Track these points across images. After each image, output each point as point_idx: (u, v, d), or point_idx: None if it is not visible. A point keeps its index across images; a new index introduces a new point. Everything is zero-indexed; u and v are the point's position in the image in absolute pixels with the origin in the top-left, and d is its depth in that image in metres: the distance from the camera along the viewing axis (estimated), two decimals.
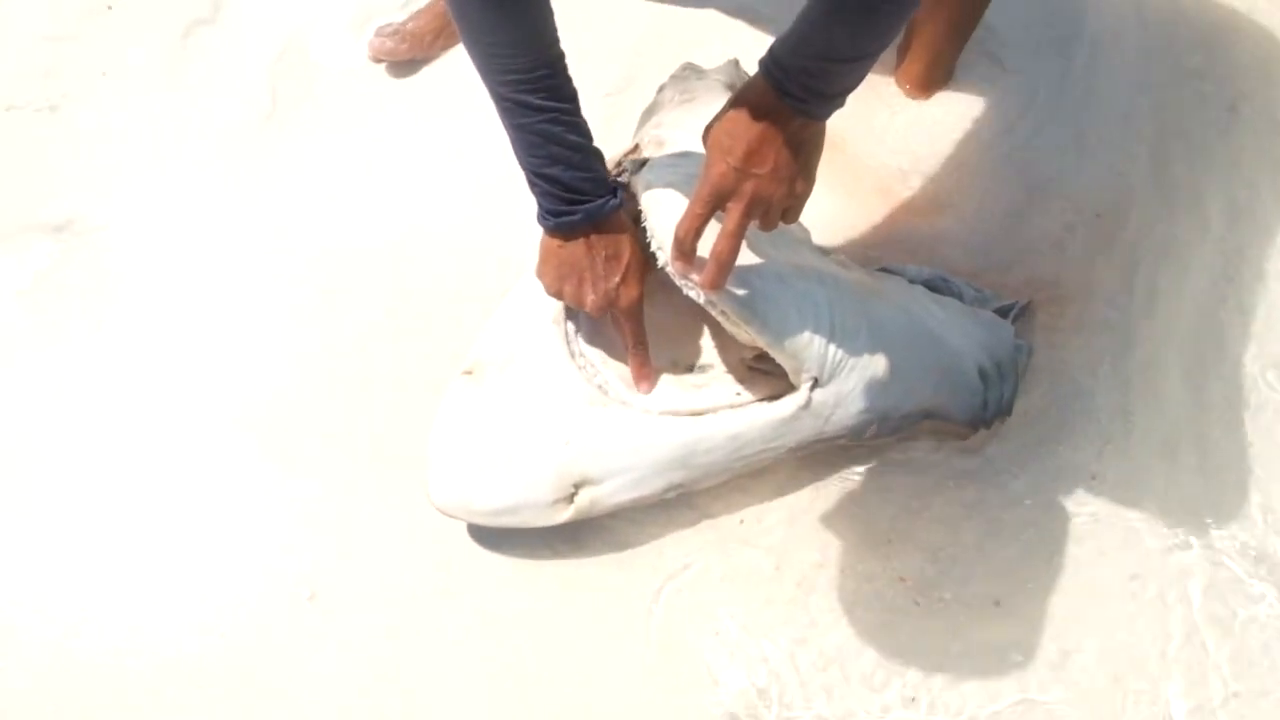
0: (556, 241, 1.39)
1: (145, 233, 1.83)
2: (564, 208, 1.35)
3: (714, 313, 1.40)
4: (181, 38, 2.04)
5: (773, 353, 1.41)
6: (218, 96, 1.98)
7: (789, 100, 1.16)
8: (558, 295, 1.43)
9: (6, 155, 1.91)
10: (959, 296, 1.70)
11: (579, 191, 1.34)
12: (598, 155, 1.37)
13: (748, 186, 1.20)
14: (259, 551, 1.55)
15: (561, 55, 1.28)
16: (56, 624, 1.49)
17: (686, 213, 1.24)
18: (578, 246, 1.38)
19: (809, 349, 1.40)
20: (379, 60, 1.99)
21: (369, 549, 1.55)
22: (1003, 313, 1.70)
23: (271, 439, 1.63)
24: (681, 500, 1.54)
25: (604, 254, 1.39)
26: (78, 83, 1.99)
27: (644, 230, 1.43)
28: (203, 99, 1.97)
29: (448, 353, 1.64)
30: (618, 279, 1.40)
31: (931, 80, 1.94)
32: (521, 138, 1.30)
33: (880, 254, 1.78)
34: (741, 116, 1.19)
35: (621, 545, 1.56)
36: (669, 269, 1.35)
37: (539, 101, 1.26)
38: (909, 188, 1.86)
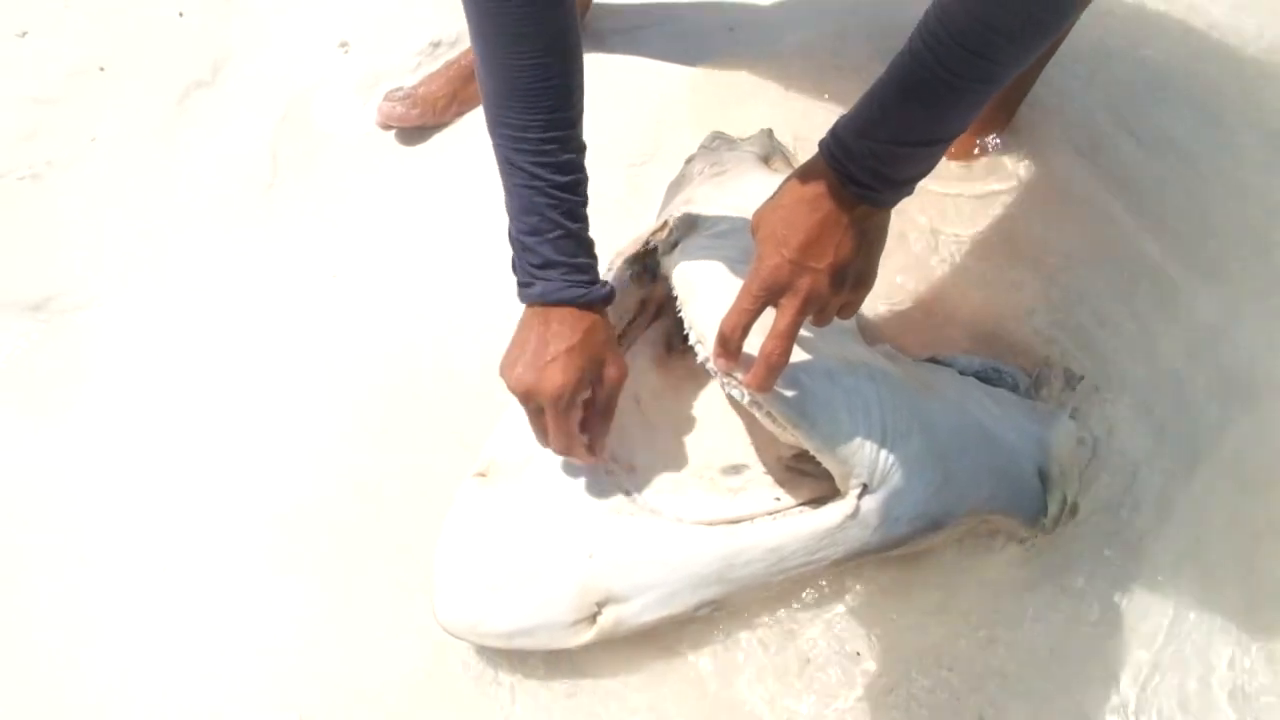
0: (524, 316, 1.26)
1: (130, 313, 1.71)
2: (526, 278, 1.23)
3: (757, 414, 1.27)
4: (178, 102, 1.93)
5: (821, 458, 1.28)
6: (214, 164, 1.86)
7: (853, 188, 1.04)
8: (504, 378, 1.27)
9: None
10: (1013, 388, 1.57)
11: (550, 266, 1.21)
12: (587, 244, 1.25)
13: (804, 282, 1.07)
14: (245, 663, 1.41)
15: (578, 137, 1.20)
16: None
17: (734, 307, 1.12)
18: (530, 322, 1.24)
19: (859, 453, 1.27)
20: (388, 127, 1.88)
21: (363, 667, 1.41)
22: (1061, 390, 1.57)
23: (259, 542, 1.50)
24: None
25: (551, 332, 1.22)
26: (64, 149, 1.87)
27: (679, 319, 1.32)
28: (198, 167, 1.85)
29: (461, 444, 1.51)
30: (548, 358, 1.22)
31: (983, 142, 1.83)
32: (513, 199, 1.21)
33: (924, 343, 1.65)
34: (799, 204, 1.07)
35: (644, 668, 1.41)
36: (709, 366, 1.23)
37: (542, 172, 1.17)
38: (955, 262, 1.74)
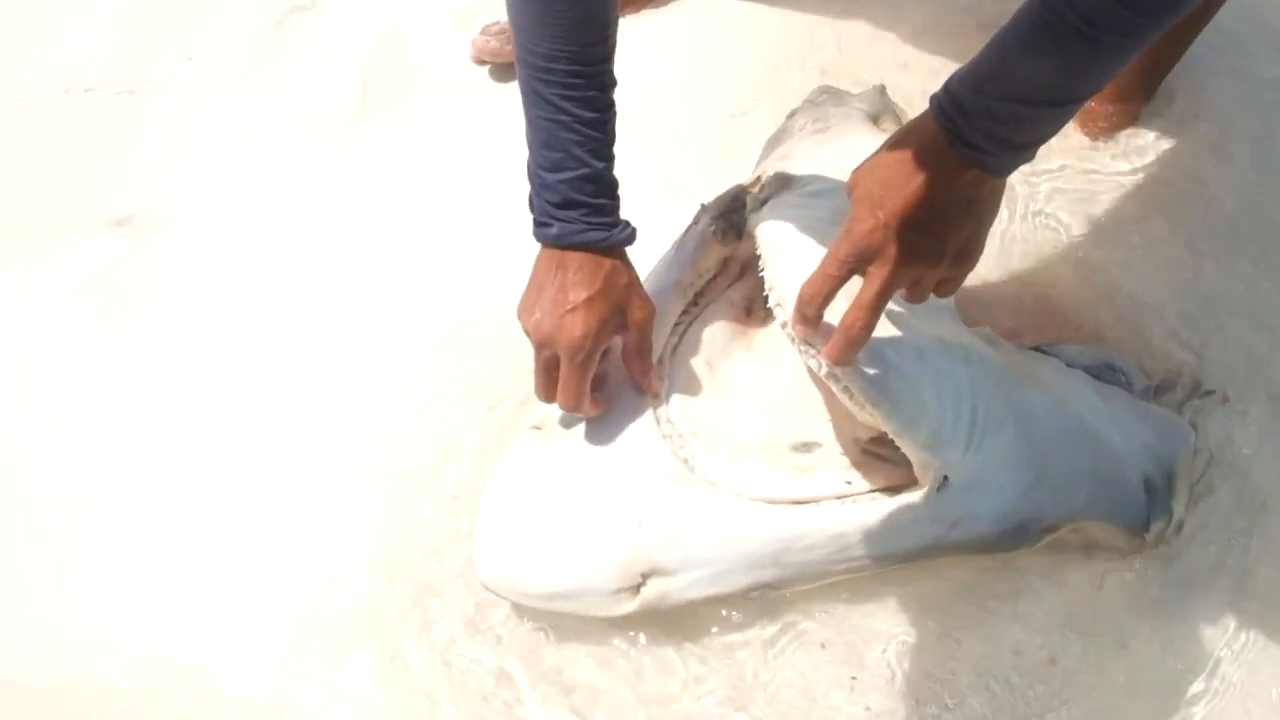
0: (539, 256, 1.21)
1: (212, 234, 1.69)
2: (544, 217, 1.18)
3: (834, 388, 1.16)
4: (275, 25, 1.90)
5: (900, 442, 1.17)
6: (305, 90, 1.83)
7: (963, 149, 0.92)
8: (521, 321, 1.22)
9: (77, 139, 1.79)
10: (1128, 387, 1.42)
11: (569, 206, 1.16)
12: (611, 185, 1.20)
13: (897, 251, 0.96)
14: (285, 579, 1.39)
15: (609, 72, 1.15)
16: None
17: (818, 271, 1.01)
18: (547, 264, 1.19)
19: (943, 442, 1.16)
20: (481, 62, 1.82)
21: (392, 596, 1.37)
22: (1182, 400, 1.42)
23: (315, 465, 1.47)
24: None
25: (569, 279, 1.17)
26: (160, 66, 1.86)
27: (761, 280, 1.22)
28: (290, 92, 1.83)
29: (519, 399, 1.45)
30: (567, 307, 1.16)
31: (1114, 117, 1.66)
32: (535, 131, 1.16)
33: (1030, 328, 1.51)
34: (900, 163, 0.95)
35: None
36: (787, 331, 1.13)
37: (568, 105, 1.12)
38: (1072, 246, 1.58)
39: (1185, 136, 1.66)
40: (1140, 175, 1.64)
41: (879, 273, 0.97)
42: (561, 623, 1.32)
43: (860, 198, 0.98)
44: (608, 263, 1.18)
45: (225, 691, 1.32)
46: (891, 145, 0.98)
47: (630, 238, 1.21)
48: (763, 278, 1.23)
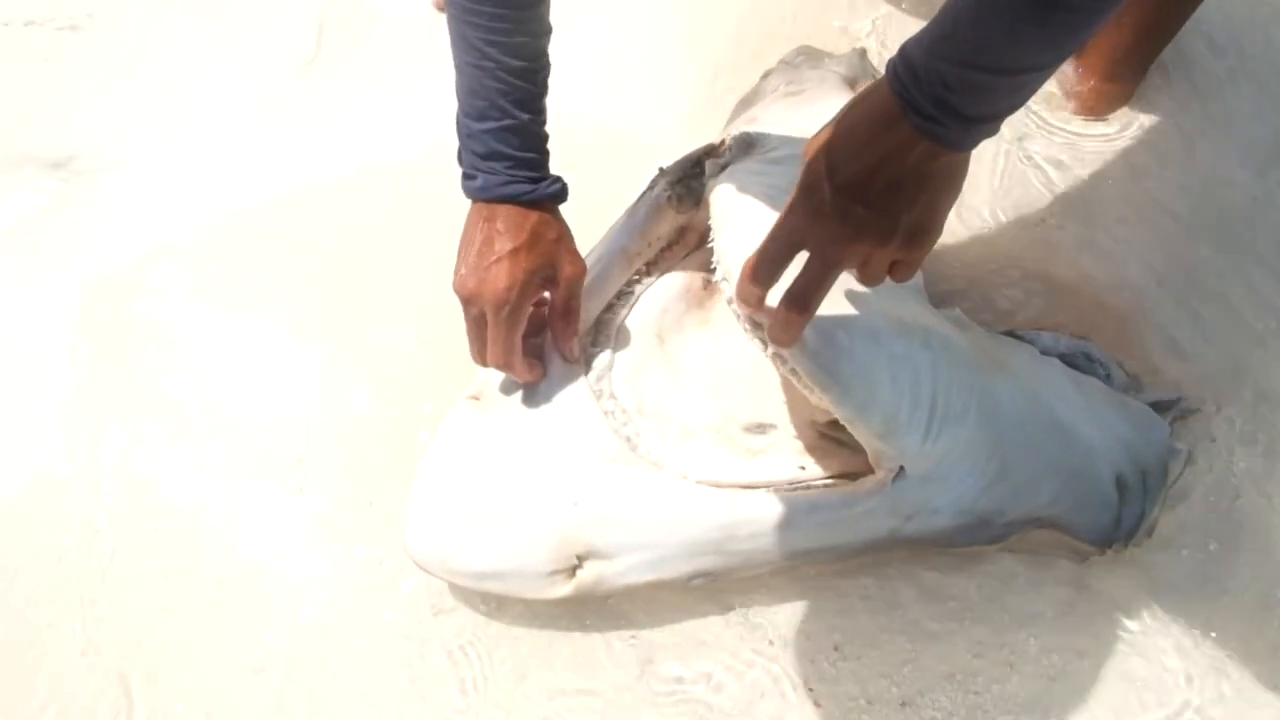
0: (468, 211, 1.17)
1: (151, 180, 1.60)
2: (469, 169, 1.14)
3: (781, 369, 1.09)
4: None
5: (852, 429, 1.10)
6: (257, 34, 1.73)
7: (916, 118, 0.82)
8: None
9: (16, 76, 1.70)
10: (1105, 379, 1.35)
11: (494, 157, 1.12)
12: (538, 139, 1.15)
13: (843, 226, 0.87)
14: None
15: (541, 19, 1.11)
16: None
17: (761, 246, 0.92)
18: (474, 219, 1.15)
19: (898, 430, 1.08)
20: (443, 9, 1.71)
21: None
22: (1159, 408, 1.33)
23: (245, 435, 1.39)
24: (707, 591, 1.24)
25: (495, 231, 1.13)
26: (105, 1, 1.77)
27: (710, 251, 1.14)
28: (240, 35, 1.73)
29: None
30: (491, 259, 1.12)
31: (1105, 96, 1.57)
32: (461, 78, 1.12)
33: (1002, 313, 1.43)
34: (851, 133, 0.86)
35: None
36: (733, 308, 1.05)
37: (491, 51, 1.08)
38: (1053, 227, 1.50)
39: (1178, 118, 1.57)
40: (1129, 153, 1.55)
41: (822, 249, 0.88)
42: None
43: (808, 168, 0.89)
44: (535, 215, 1.13)
45: None
46: (844, 113, 0.89)
47: (560, 193, 1.16)
48: (710, 247, 1.15)
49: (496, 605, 1.27)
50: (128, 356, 1.45)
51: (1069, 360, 1.35)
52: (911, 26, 1.65)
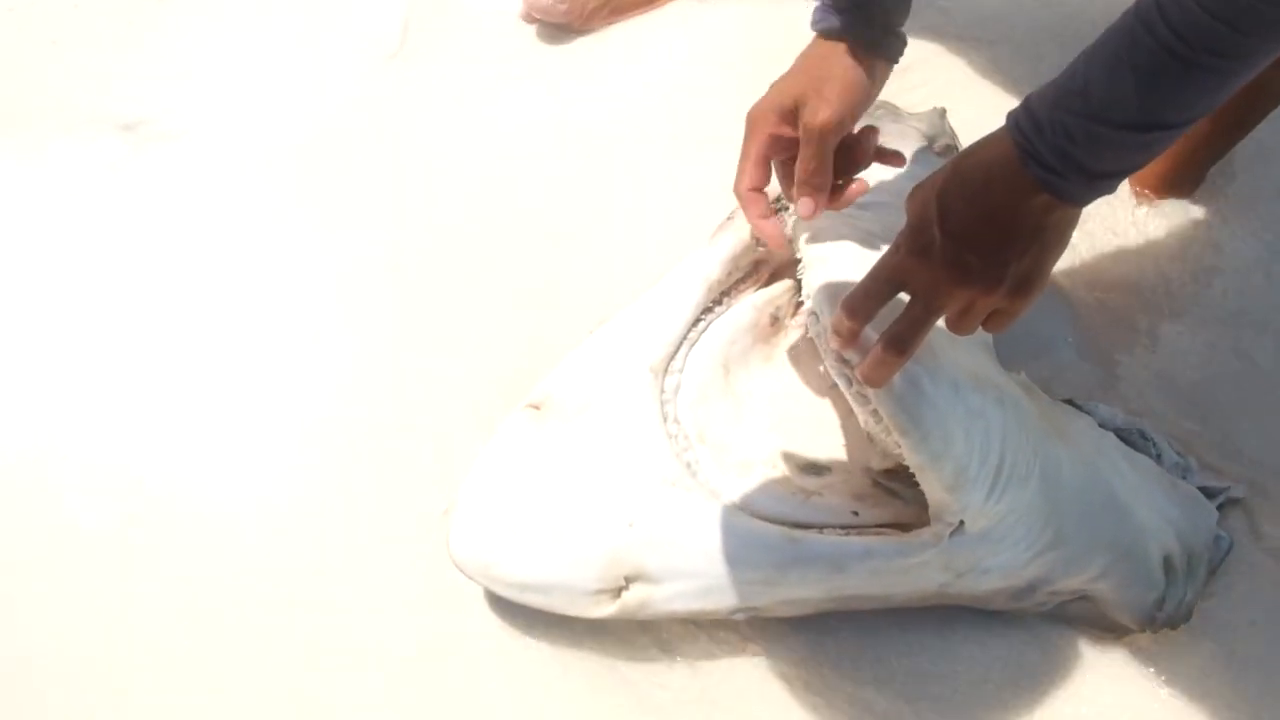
0: None
1: (221, 154, 1.60)
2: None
3: (861, 410, 1.09)
4: None
5: (922, 477, 1.09)
6: (343, 22, 1.74)
7: (1036, 169, 0.82)
8: None
9: (96, 33, 1.70)
10: (1157, 458, 1.35)
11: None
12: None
13: (951, 270, 0.87)
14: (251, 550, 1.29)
15: None
16: None
17: (862, 283, 0.93)
18: (808, 51, 1.14)
19: (965, 484, 1.08)
20: (532, 19, 1.74)
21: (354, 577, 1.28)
22: (1207, 494, 1.34)
23: (299, 425, 1.38)
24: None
25: (811, 62, 1.11)
26: None
27: (793, 289, 1.20)
28: (326, 21, 1.74)
29: (521, 371, 1.37)
30: (775, 82, 1.13)
31: (1173, 183, 1.59)
32: None
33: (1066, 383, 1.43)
34: (966, 178, 0.87)
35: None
36: (821, 343, 1.07)
37: None
38: (1116, 305, 1.51)
39: (1236, 221, 1.59)
40: (1188, 237, 1.56)
41: (927, 293, 0.89)
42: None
43: (917, 210, 0.90)
44: (824, 48, 1.12)
45: None
46: (960, 158, 0.89)
47: (874, 40, 1.11)
48: (799, 285, 1.16)
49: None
50: (167, 338, 1.45)
51: (1123, 436, 1.35)
52: (985, 87, 1.68)
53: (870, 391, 1.01)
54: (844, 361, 1.03)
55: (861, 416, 1.11)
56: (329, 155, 1.61)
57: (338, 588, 1.28)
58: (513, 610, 1.24)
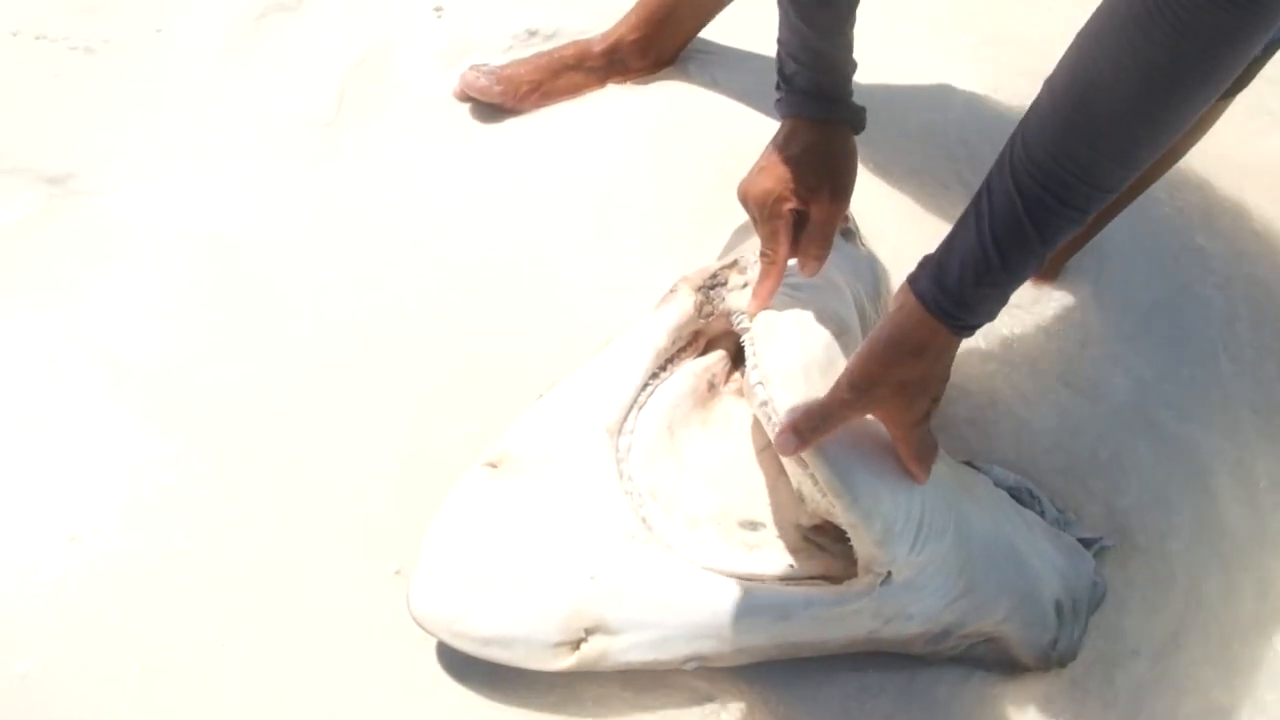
0: None
1: (149, 211, 1.58)
2: (777, 89, 1.26)
3: (797, 471, 1.20)
4: (255, 18, 1.84)
5: (853, 534, 1.20)
6: (276, 89, 1.76)
7: (958, 330, 1.04)
8: None
9: (22, 87, 1.66)
10: (1041, 514, 1.51)
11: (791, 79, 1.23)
12: (836, 73, 1.23)
13: (901, 410, 1.11)
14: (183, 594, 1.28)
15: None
16: None
17: (818, 419, 1.11)
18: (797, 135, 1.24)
19: (892, 539, 1.20)
20: (466, 98, 1.81)
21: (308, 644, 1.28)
22: (1084, 544, 1.51)
23: (232, 487, 1.37)
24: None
25: (776, 144, 1.23)
26: (125, 31, 1.76)
27: (725, 357, 1.33)
28: (259, 88, 1.75)
29: (468, 435, 1.41)
30: (762, 165, 1.24)
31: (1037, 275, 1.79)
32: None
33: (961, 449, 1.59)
34: (898, 345, 1.06)
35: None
36: (766, 410, 1.18)
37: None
38: (995, 376, 1.68)
39: (1095, 295, 1.80)
40: (1052, 319, 1.75)
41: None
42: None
43: (861, 375, 1.08)
44: (817, 133, 1.22)
45: None
46: (886, 335, 1.06)
47: (852, 120, 1.25)
48: (733, 355, 1.32)
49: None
50: (91, 392, 1.41)
51: (1014, 494, 1.51)
52: (895, 162, 1.86)
53: (809, 458, 1.14)
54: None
55: (797, 479, 1.23)
56: (260, 219, 1.62)
57: (287, 651, 1.27)
58: (468, 668, 1.26)
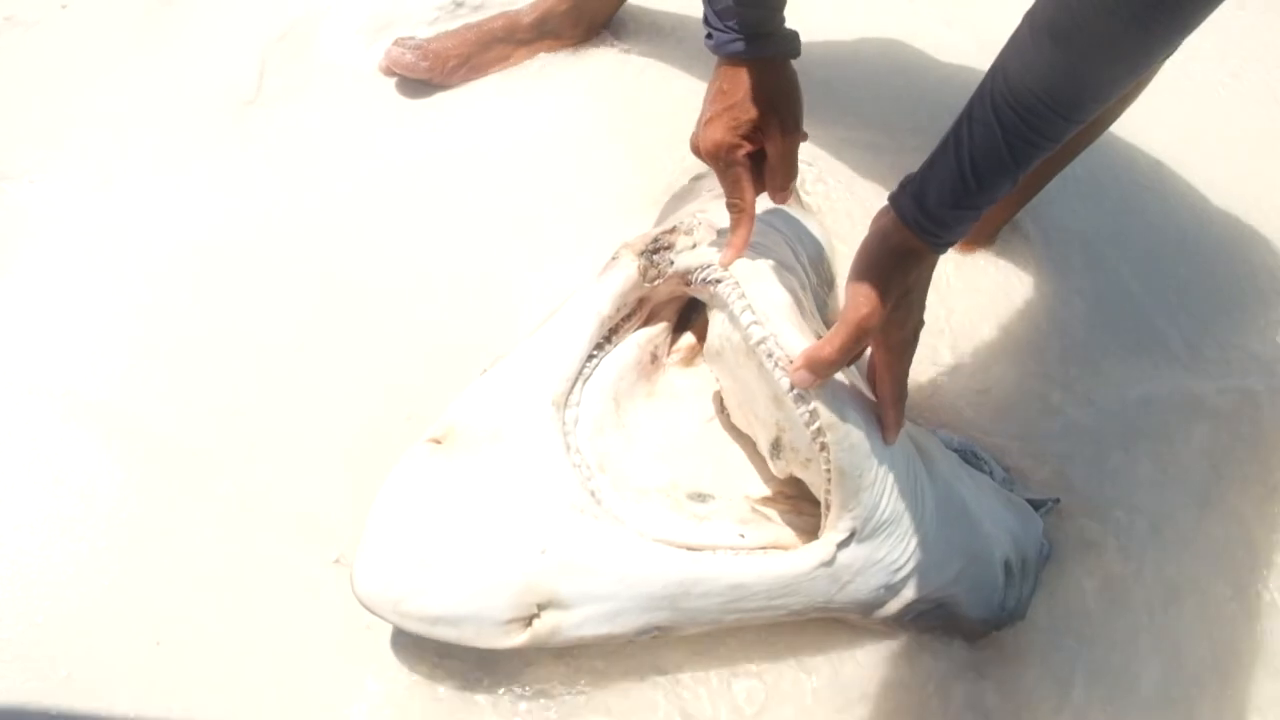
0: None
1: (60, 198, 1.51)
2: (707, 26, 1.22)
3: (773, 424, 1.19)
4: None
5: (836, 481, 1.18)
6: (193, 67, 1.69)
7: (939, 248, 1.10)
8: None
9: None
10: (989, 475, 1.51)
11: (727, 15, 1.19)
12: (764, 5, 1.20)
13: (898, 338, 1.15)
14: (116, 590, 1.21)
15: None
16: None
17: (828, 356, 1.10)
18: (712, 77, 1.23)
19: (867, 492, 1.19)
20: (391, 73, 1.75)
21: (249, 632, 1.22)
22: (1034, 505, 1.51)
23: (162, 482, 1.31)
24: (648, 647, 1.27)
25: (719, 90, 1.20)
26: (29, 8, 1.68)
27: (667, 328, 1.34)
28: (179, 64, 1.68)
29: (408, 417, 1.37)
30: (708, 115, 1.21)
31: (975, 238, 1.80)
32: None
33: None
34: (889, 274, 1.09)
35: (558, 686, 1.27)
36: (763, 348, 1.17)
37: None
38: (941, 346, 1.68)
39: (1036, 256, 1.81)
40: (993, 285, 1.76)
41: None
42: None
43: (858, 310, 1.09)
44: (754, 72, 1.19)
45: None
46: (876, 260, 1.09)
47: (787, 48, 1.21)
48: (675, 326, 1.35)
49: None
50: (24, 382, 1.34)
51: (962, 455, 1.51)
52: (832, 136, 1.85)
53: (811, 392, 1.13)
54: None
55: (774, 431, 1.23)
56: (178, 202, 1.56)
57: (224, 646, 1.22)
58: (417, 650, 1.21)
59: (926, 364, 1.64)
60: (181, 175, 1.59)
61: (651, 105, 1.78)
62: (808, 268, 1.47)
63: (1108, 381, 1.66)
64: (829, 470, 1.17)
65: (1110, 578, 1.50)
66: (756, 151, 1.22)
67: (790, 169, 1.25)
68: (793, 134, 1.23)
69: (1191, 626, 1.47)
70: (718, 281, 1.25)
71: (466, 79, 1.79)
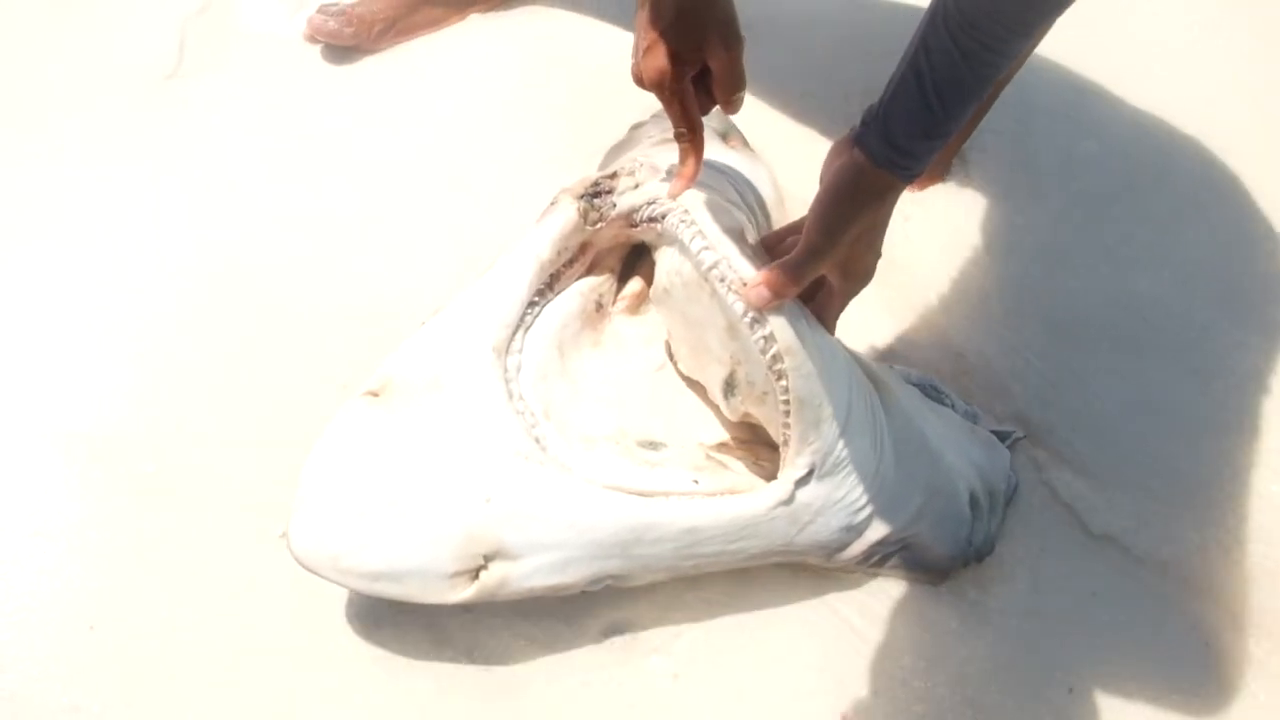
0: None
1: None
2: None
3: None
4: None
5: (794, 411, 1.13)
6: (111, 40, 1.63)
7: (905, 179, 1.08)
8: None
9: None
10: (951, 408, 1.48)
11: None
12: None
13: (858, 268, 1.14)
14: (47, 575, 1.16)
15: None
16: None
17: (788, 277, 1.09)
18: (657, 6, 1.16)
19: (827, 424, 1.15)
20: (315, 40, 1.71)
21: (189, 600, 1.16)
22: (999, 438, 1.48)
23: (103, 454, 1.27)
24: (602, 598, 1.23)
25: (647, 18, 1.15)
26: None
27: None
28: (96, 40, 1.62)
29: (340, 386, 1.32)
30: (645, 45, 1.16)
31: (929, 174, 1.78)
32: None
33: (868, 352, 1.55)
34: (857, 203, 1.08)
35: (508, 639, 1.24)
36: (716, 272, 1.13)
37: None
38: (900, 281, 1.66)
39: (984, 184, 1.79)
40: (944, 218, 1.74)
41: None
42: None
43: (818, 236, 1.08)
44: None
45: None
46: (840, 192, 1.08)
47: None
48: (617, 274, 1.32)
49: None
50: None
51: (923, 389, 1.48)
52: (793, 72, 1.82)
53: (772, 317, 1.09)
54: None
55: (728, 366, 1.20)
56: (99, 179, 1.50)
57: (170, 608, 1.16)
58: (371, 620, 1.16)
59: (884, 304, 1.61)
60: (101, 150, 1.53)
61: (584, 60, 1.74)
62: (755, 209, 1.44)
63: (1071, 307, 1.64)
64: (787, 402, 1.13)
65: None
66: (698, 75, 1.18)
67: (738, 79, 1.20)
68: (734, 46, 1.18)
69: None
70: (664, 216, 1.21)
71: (394, 42, 1.74)
